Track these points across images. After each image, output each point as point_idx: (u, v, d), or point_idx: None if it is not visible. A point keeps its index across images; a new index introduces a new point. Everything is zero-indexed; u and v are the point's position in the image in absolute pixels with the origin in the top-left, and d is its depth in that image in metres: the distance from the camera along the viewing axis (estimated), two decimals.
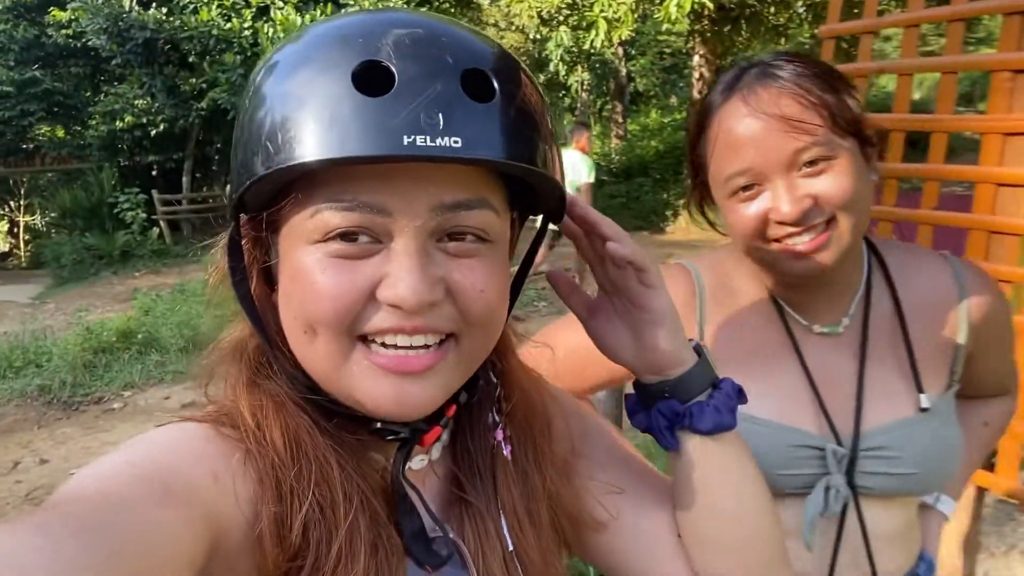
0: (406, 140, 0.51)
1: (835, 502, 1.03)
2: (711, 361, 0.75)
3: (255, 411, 0.61)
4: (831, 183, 0.96)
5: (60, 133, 17.10)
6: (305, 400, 0.62)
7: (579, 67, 15.79)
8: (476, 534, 0.68)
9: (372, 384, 0.58)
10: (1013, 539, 3.21)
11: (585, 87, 16.85)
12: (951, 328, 1.10)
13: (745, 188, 1.00)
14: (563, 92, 20.24)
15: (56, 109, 16.24)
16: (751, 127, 0.98)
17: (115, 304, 9.94)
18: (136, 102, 14.35)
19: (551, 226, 0.72)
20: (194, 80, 14.15)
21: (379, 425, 0.63)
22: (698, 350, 0.74)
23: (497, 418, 0.73)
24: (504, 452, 0.72)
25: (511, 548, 0.69)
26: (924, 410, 1.05)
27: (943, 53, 2.18)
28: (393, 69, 0.53)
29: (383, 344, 0.58)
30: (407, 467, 0.66)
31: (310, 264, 0.57)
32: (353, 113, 0.52)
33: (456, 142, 0.52)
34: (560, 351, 0.96)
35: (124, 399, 6.32)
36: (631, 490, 0.79)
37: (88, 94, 16.67)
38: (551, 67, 15.28)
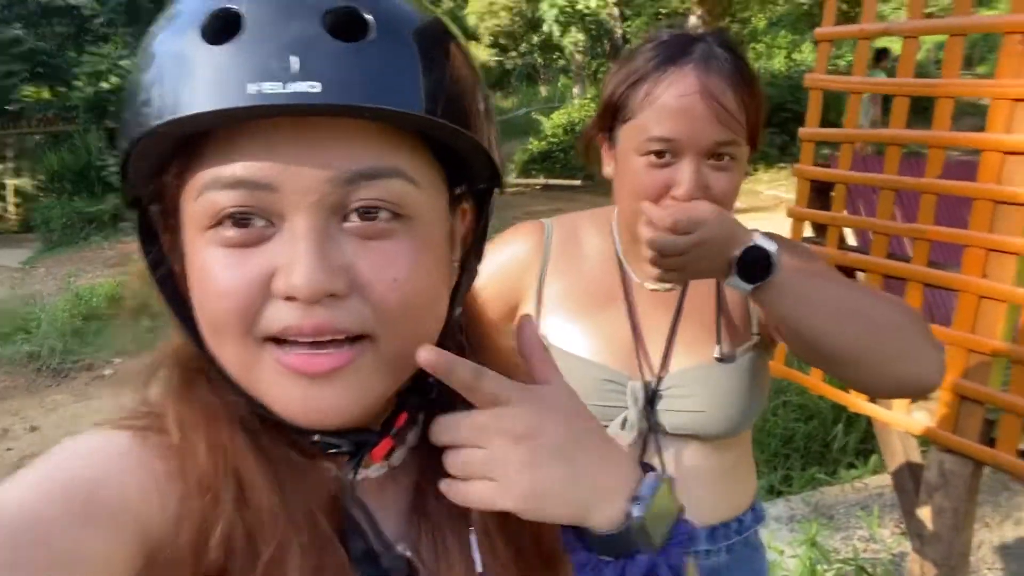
0: (251, 89, 0.44)
1: (628, 432, 1.17)
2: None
3: (182, 423, 0.54)
4: (725, 181, 1.08)
5: (46, 94, 16.81)
6: (248, 408, 0.55)
7: (573, 28, 15.52)
8: (435, 552, 0.60)
9: (280, 389, 0.51)
10: (1007, 508, 3.22)
11: (579, 48, 16.60)
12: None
13: (659, 154, 1.07)
14: (557, 54, 19.95)
15: (40, 70, 15.94)
16: (695, 104, 1.04)
17: (105, 269, 9.86)
18: (121, 63, 14.09)
19: None
20: None
21: (316, 438, 0.55)
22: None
23: None
24: None
25: (479, 569, 0.59)
26: (719, 360, 1.19)
27: (946, 15, 2.10)
28: (242, 12, 0.45)
29: (291, 344, 0.50)
30: (364, 476, 0.59)
31: (206, 256, 0.50)
32: (199, 66, 0.45)
33: (314, 87, 0.44)
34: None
35: (114, 366, 6.29)
36: None
37: (73, 54, 16.35)
38: (545, 28, 15.04)
